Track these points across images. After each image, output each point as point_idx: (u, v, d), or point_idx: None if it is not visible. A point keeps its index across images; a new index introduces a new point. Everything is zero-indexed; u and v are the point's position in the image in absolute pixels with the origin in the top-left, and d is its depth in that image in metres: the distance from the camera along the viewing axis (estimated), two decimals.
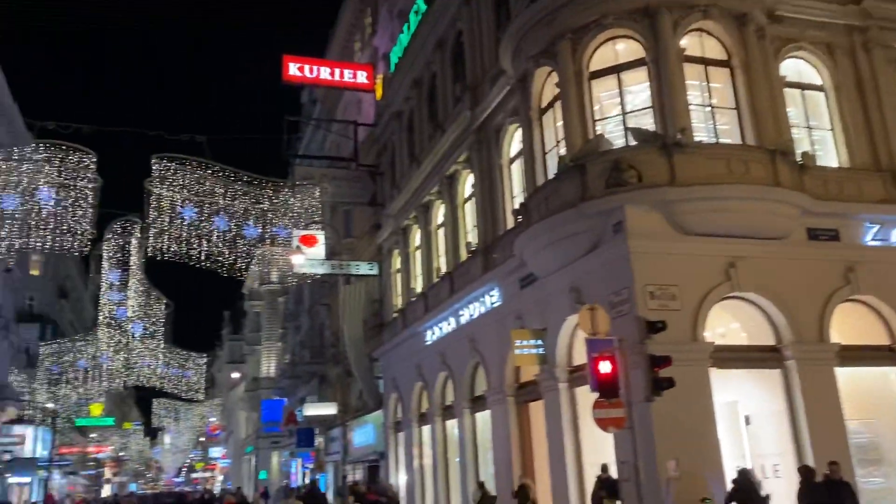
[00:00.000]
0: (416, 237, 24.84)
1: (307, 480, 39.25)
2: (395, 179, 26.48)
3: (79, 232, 19.92)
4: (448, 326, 20.94)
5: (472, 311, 19.42)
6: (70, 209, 19.71)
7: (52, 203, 19.37)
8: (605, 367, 11.78)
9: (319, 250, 26.47)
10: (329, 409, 33.78)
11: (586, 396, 13.55)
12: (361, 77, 29.09)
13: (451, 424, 21.41)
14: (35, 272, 54.13)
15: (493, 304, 18.25)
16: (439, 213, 22.94)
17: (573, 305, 14.51)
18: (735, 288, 13.58)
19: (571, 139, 14.64)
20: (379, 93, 28.72)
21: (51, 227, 19.61)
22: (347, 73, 29.15)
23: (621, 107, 14.74)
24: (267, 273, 56.56)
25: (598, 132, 14.59)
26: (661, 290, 13.02)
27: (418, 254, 24.68)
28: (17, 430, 47.08)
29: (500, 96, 18.30)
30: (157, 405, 69.20)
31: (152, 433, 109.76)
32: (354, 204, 29.27)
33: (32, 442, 51.70)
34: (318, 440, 35.97)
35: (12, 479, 49.15)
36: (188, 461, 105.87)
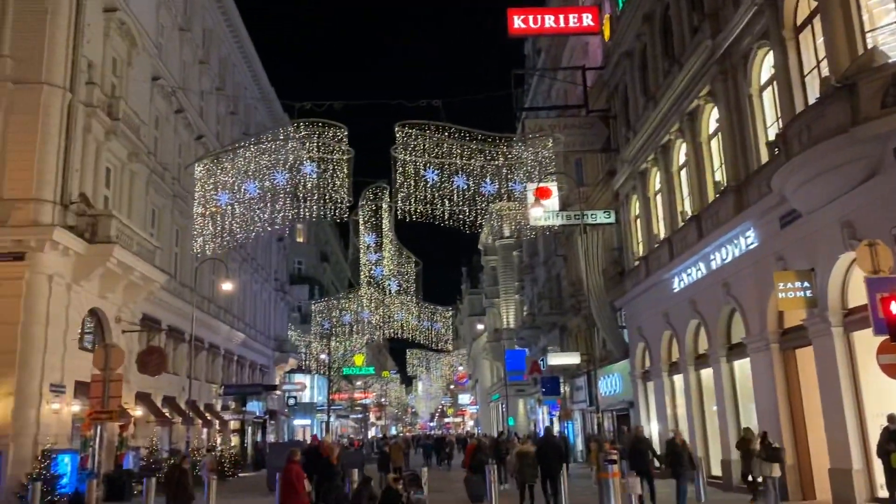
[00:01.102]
0: (656, 180, 23.87)
1: (554, 427, 40.11)
2: (629, 122, 25.56)
3: (338, 200, 21.75)
4: (697, 272, 19.96)
5: (724, 254, 18.30)
6: (329, 180, 21.58)
7: (314, 175, 21.31)
8: (895, 307, 10.46)
9: (554, 202, 26.49)
10: (572, 359, 34.03)
11: (866, 341, 12.23)
12: (587, 20, 28.23)
13: (706, 373, 20.55)
14: (300, 239, 60.62)
15: (748, 245, 17.03)
16: (680, 153, 21.79)
17: (846, 242, 13.09)
18: None
19: (836, 56, 13.05)
20: (607, 34, 27.74)
21: (315, 197, 21.62)
22: (572, 18, 28.43)
23: None
24: (500, 228, 58.10)
25: (870, 45, 12.81)
26: None
27: (659, 198, 23.73)
28: (298, 378, 53.61)
29: (745, 19, 16.75)
30: (411, 355, 74.53)
31: (407, 381, 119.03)
32: (587, 152, 28.74)
33: (310, 389, 58.63)
34: (564, 388, 36.50)
35: (296, 421, 56.25)
36: (440, 407, 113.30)
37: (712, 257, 18.97)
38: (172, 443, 28.12)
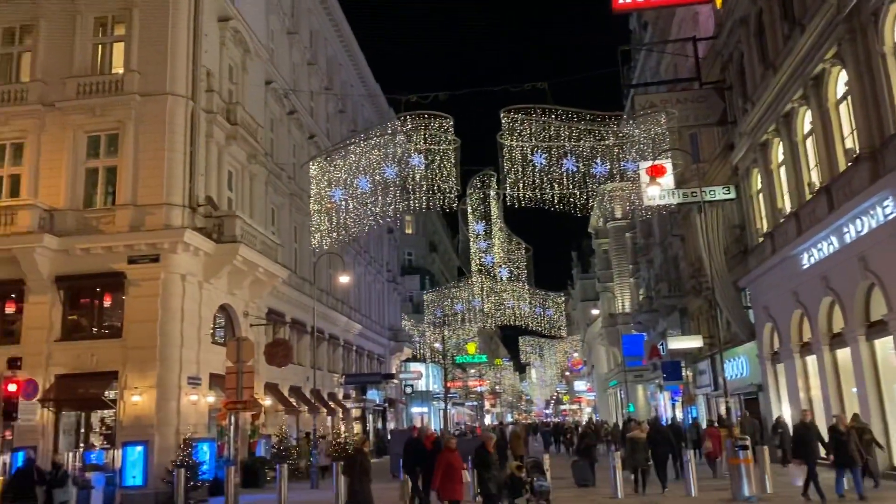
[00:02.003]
0: (778, 151, 22.59)
1: (677, 413, 38.99)
2: (746, 92, 24.28)
3: (446, 190, 21.89)
4: (829, 246, 18.74)
5: (859, 226, 17.08)
6: (437, 170, 21.75)
7: (422, 167, 21.54)
8: None
9: (668, 180, 25.57)
10: (694, 342, 32.93)
11: None
12: None
13: (843, 354, 19.30)
14: (409, 231, 61.69)
15: (887, 216, 15.79)
16: (805, 121, 20.51)
17: None
18: None
19: None
20: (718, 1, 26.43)
21: (423, 188, 21.86)
22: None
23: None
24: (612, 210, 56.83)
25: None
26: None
27: (782, 170, 22.45)
28: (414, 367, 54.67)
29: None
30: (523, 342, 74.33)
31: (521, 368, 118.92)
32: (702, 126, 27.55)
33: (425, 378, 59.66)
34: (685, 373, 35.36)
35: (414, 409, 57.40)
36: (555, 394, 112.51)
37: (846, 230, 17.75)
38: (299, 430, 29.34)
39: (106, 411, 20.93)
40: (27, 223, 20.44)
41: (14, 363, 16.94)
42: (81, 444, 20.95)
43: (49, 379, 20.33)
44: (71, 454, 19.89)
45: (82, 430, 21.41)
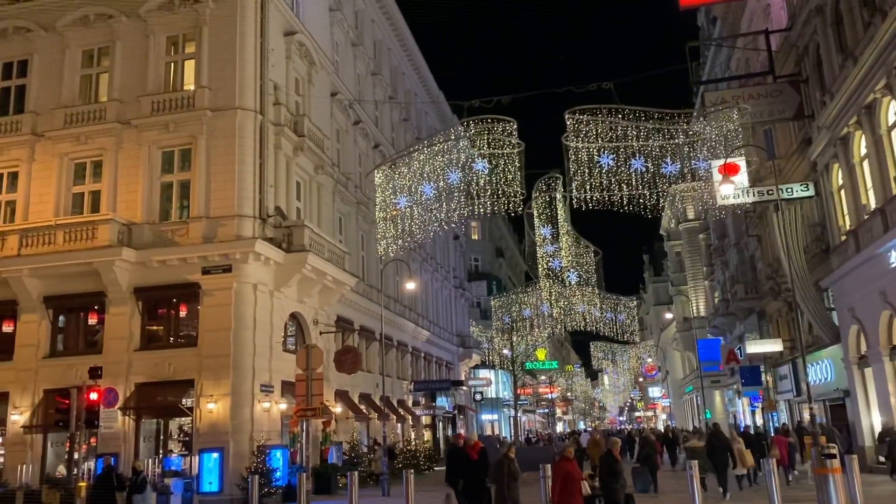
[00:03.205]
0: (861, 145, 21.49)
1: (757, 420, 37.56)
2: (824, 84, 23.22)
3: (511, 194, 21.64)
4: None
5: None
6: (501, 175, 21.54)
7: (486, 171, 21.38)
8: None
9: (742, 178, 24.67)
10: (774, 346, 31.65)
11: None
12: None
13: None
14: (475, 237, 61.62)
15: None
16: (889, 112, 19.44)
17: None
18: None
19: None
20: None
21: (488, 193, 21.68)
22: None
23: None
24: (683, 211, 55.37)
25: None
26: None
27: (866, 164, 21.33)
28: (483, 374, 54.42)
29: None
30: (595, 348, 73.11)
31: (593, 375, 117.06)
32: (777, 121, 26.47)
33: (494, 384, 59.31)
34: (765, 378, 34.01)
35: (484, 416, 57.11)
36: (629, 400, 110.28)
37: None
38: (370, 437, 29.51)
39: (183, 418, 21.52)
40: (107, 237, 21.25)
41: (95, 372, 17.59)
42: (161, 451, 21.59)
43: (129, 387, 21.05)
44: (151, 460, 20.51)
45: (161, 437, 22.07)
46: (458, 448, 15.41)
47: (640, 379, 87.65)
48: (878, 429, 21.72)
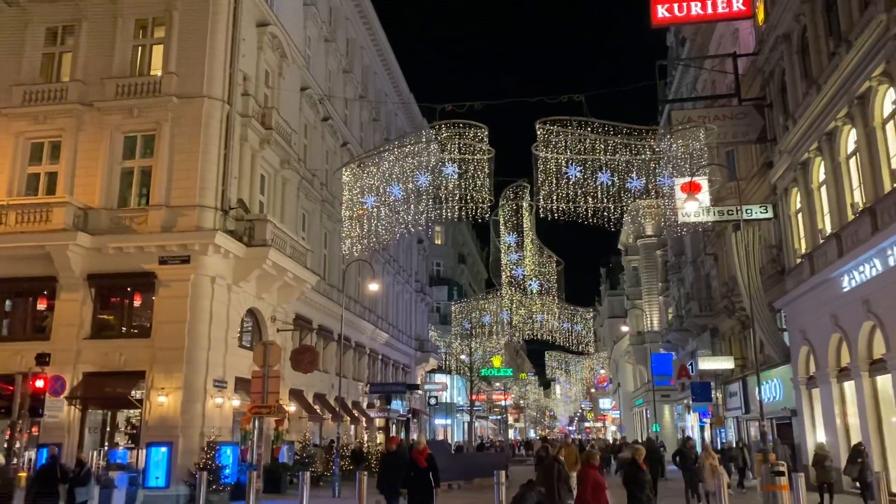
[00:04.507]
0: (820, 171, 22.03)
1: (705, 435, 38.22)
2: (788, 109, 23.77)
3: (479, 200, 21.64)
4: (872, 269, 18.14)
5: None
6: (470, 180, 21.53)
7: (456, 176, 21.35)
8: None
9: (704, 197, 25.09)
10: (725, 363, 32.26)
11: None
12: (738, 4, 26.51)
13: (883, 380, 18.66)
14: (438, 242, 61.62)
15: None
16: (849, 140, 19.97)
17: None
18: None
19: None
20: (761, 17, 25.99)
21: (456, 198, 21.64)
22: (721, 4, 26.78)
23: None
24: (642, 227, 56.20)
25: None
26: None
27: (823, 189, 21.88)
28: (439, 378, 54.38)
29: None
30: (550, 357, 73.66)
31: (546, 384, 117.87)
32: (741, 143, 27.01)
33: (450, 389, 59.34)
34: (715, 394, 34.64)
35: (437, 421, 57.05)
36: (579, 411, 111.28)
37: (889, 253, 17.16)
38: (323, 437, 29.17)
39: (132, 411, 20.99)
40: (62, 221, 20.63)
41: (42, 359, 16.99)
42: (106, 443, 21.00)
43: (77, 376, 20.44)
44: (95, 453, 19.94)
45: (107, 429, 21.48)
46: (392, 453, 14.68)
47: (592, 390, 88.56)
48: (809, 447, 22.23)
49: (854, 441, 19.22)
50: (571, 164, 21.95)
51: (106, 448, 20.68)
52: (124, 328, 21.46)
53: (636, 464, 11.08)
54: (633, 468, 11.06)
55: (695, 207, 21.68)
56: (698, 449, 21.20)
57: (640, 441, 40.21)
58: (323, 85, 31.74)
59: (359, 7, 37.04)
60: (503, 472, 14.18)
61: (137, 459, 19.69)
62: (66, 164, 22.26)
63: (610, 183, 22.27)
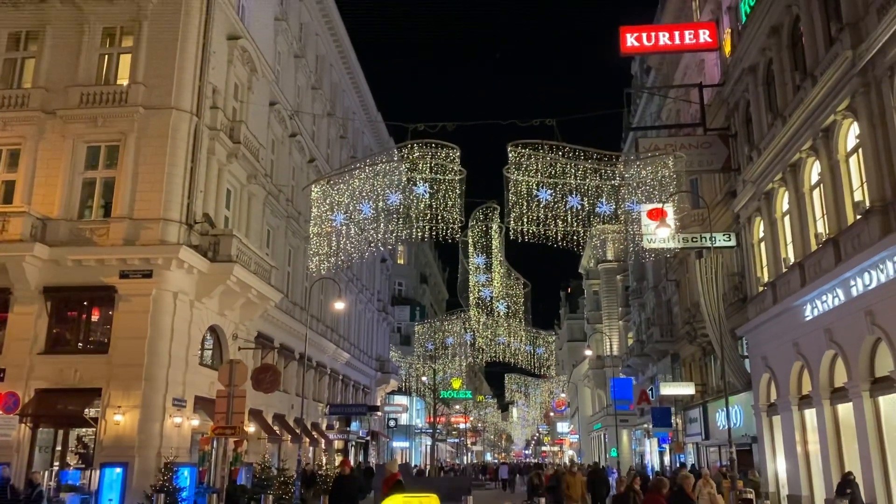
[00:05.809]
0: (783, 201, 22.51)
1: (664, 460, 38.47)
2: (752, 140, 24.30)
3: (450, 220, 21.61)
4: (834, 299, 18.52)
5: (867, 280, 16.87)
6: (441, 200, 21.50)
7: (426, 196, 21.28)
8: None
9: (669, 223, 25.42)
10: (686, 389, 32.57)
11: None
12: (704, 36, 27.21)
13: (844, 409, 18.98)
14: (401, 261, 61.32)
15: None
16: (813, 172, 20.45)
17: None
18: None
19: None
20: (727, 48, 26.62)
21: (426, 217, 21.57)
22: (688, 35, 27.47)
23: None
24: (602, 251, 56.80)
25: None
26: None
27: (787, 220, 22.34)
28: (398, 399, 53.83)
29: (892, 29, 15.54)
30: (509, 380, 73.65)
31: (504, 406, 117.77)
32: (706, 171, 27.52)
33: (410, 411, 58.78)
34: (675, 420, 34.93)
35: (395, 443, 56.39)
36: (536, 434, 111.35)
37: (853, 283, 17.55)
38: (282, 460, 28.49)
39: (84, 429, 20.20)
40: (18, 231, 19.93)
41: None
42: (57, 463, 20.16)
43: (29, 393, 19.62)
44: (46, 473, 19.10)
45: (58, 448, 20.63)
46: (344, 476, 14.39)
47: (550, 413, 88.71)
48: (782, 475, 22.52)
49: (813, 468, 19.45)
50: (542, 187, 22.09)
51: (56, 468, 19.83)
52: (81, 343, 20.72)
53: (684, 492, 10.74)
54: (680, 495, 10.67)
55: (667, 233, 21.92)
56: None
57: (590, 465, 40.22)
58: (292, 101, 31.48)
59: (329, 24, 36.96)
60: (470, 497, 14.01)
61: (90, 480, 18.91)
62: (24, 172, 21.55)
63: (580, 207, 22.46)
